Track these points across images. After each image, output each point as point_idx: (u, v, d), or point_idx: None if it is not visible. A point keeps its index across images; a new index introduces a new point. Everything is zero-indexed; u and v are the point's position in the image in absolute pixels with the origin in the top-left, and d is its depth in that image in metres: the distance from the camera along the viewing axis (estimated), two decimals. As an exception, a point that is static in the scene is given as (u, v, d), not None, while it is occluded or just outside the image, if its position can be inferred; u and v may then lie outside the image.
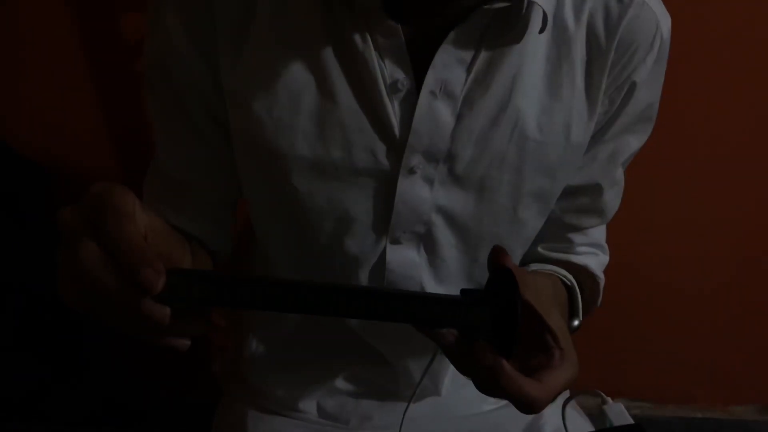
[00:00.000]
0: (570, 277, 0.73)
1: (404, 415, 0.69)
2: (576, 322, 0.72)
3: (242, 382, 0.84)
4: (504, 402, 0.82)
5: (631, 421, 0.49)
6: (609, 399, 0.51)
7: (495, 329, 0.50)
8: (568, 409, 0.81)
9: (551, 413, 0.80)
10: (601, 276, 0.81)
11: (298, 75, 0.61)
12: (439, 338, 0.52)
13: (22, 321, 1.25)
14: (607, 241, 0.82)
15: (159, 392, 1.31)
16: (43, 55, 1.19)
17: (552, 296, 0.68)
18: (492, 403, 0.83)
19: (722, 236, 1.43)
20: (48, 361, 1.29)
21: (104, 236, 0.40)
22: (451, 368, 0.79)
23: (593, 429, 0.70)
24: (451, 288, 0.73)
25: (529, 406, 0.50)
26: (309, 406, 0.80)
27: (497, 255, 0.55)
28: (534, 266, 0.76)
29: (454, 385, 0.80)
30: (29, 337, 1.28)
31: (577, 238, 0.78)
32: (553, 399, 0.51)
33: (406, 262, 0.70)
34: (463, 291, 0.53)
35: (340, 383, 0.80)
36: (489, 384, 0.51)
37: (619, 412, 0.50)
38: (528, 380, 0.50)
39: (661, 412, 1.59)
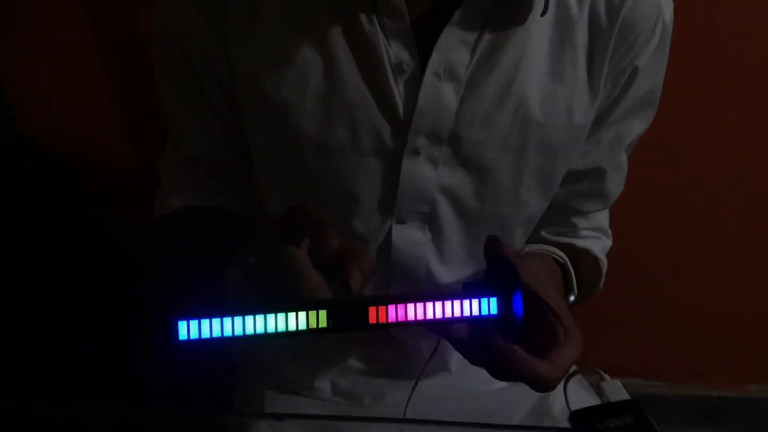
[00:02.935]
0: (561, 254, 0.75)
1: (412, 391, 0.71)
2: (572, 298, 0.73)
3: (259, 364, 0.86)
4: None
5: (628, 397, 0.51)
6: (606, 376, 0.53)
7: (503, 317, 0.52)
8: (575, 386, 0.83)
9: (559, 391, 0.81)
10: (604, 260, 0.82)
11: (306, 55, 0.63)
12: (452, 334, 0.54)
13: (44, 309, 1.28)
14: (618, 220, 0.83)
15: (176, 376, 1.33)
16: (61, 50, 1.23)
17: (549, 276, 0.69)
18: (501, 382, 0.84)
19: (736, 214, 1.43)
20: (69, 345, 1.32)
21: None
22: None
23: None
24: (454, 269, 0.75)
25: (544, 385, 0.52)
26: (323, 384, 0.82)
27: (493, 244, 0.57)
28: (527, 248, 0.77)
29: (464, 363, 0.81)
30: (52, 324, 1.31)
31: (580, 222, 0.80)
32: (564, 375, 0.53)
33: (412, 241, 0.71)
34: (465, 285, 0.56)
35: (353, 362, 0.82)
36: (503, 369, 0.53)
37: (616, 388, 0.52)
38: (539, 361, 0.52)
39: (675, 391, 1.59)
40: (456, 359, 0.82)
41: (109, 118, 1.29)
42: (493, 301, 0.52)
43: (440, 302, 0.51)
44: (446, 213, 0.70)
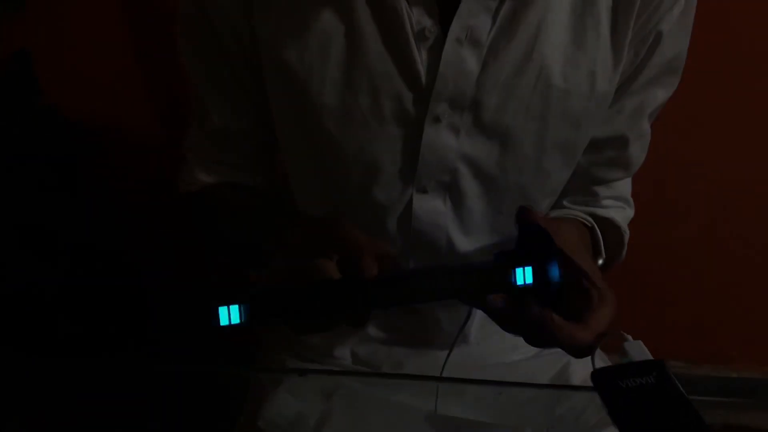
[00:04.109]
0: (588, 217, 0.75)
1: (449, 353, 0.73)
2: (600, 261, 0.73)
3: (279, 333, 0.87)
4: (533, 352, 0.85)
5: (651, 357, 0.51)
6: (629, 337, 0.53)
7: (538, 285, 0.53)
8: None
9: (577, 362, 0.82)
10: (626, 229, 0.82)
11: (328, 23, 0.63)
12: (489, 304, 0.55)
13: (74, 278, 1.30)
14: (643, 194, 0.83)
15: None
16: (88, 22, 1.24)
17: (579, 240, 0.69)
18: (521, 353, 0.85)
19: (759, 190, 1.41)
20: (102, 315, 1.34)
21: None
22: (478, 317, 0.81)
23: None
24: (475, 239, 0.75)
25: (581, 350, 0.53)
26: (343, 353, 0.83)
27: (525, 214, 0.58)
28: (554, 213, 0.77)
29: (483, 334, 0.82)
30: (81, 295, 1.33)
31: (602, 191, 0.79)
32: (601, 338, 0.53)
33: (432, 211, 0.71)
34: (497, 254, 0.56)
35: (373, 331, 0.83)
36: (540, 336, 0.54)
37: (639, 348, 0.52)
38: (577, 326, 0.53)
39: (696, 372, 1.59)
40: (475, 331, 0.83)
41: (135, 91, 1.30)
42: (528, 269, 0.53)
43: (477, 273, 0.52)
44: (467, 182, 0.70)
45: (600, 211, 0.79)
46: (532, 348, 0.85)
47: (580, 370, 0.81)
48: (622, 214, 0.81)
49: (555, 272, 0.52)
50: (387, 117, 0.66)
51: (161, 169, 1.34)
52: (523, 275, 0.52)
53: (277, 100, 0.70)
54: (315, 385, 0.79)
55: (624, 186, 0.82)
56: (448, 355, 0.73)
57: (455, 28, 0.62)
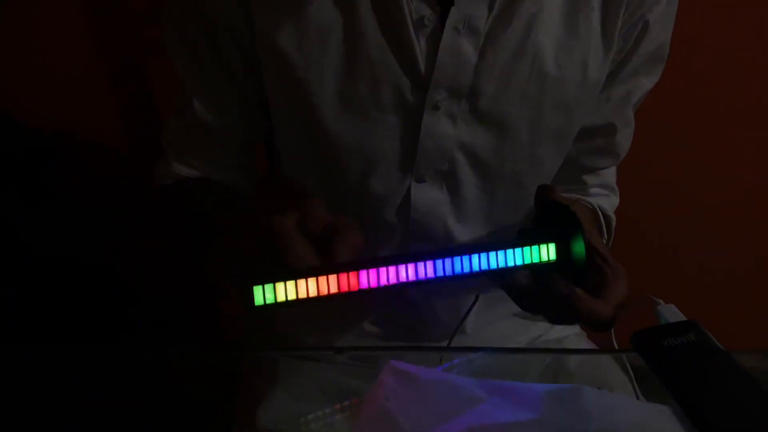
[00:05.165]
0: (590, 200, 0.76)
1: (455, 331, 0.74)
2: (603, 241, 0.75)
3: (271, 332, 0.86)
4: (526, 342, 0.86)
5: (685, 318, 0.53)
6: (660, 301, 0.54)
7: (561, 262, 0.54)
8: (579, 339, 0.85)
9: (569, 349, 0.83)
10: (613, 216, 0.83)
11: (327, 12, 0.63)
12: (513, 282, 0.55)
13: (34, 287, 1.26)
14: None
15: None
16: (49, 25, 1.19)
17: (589, 219, 0.71)
18: (515, 343, 0.86)
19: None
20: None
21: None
22: (476, 309, 0.81)
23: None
24: (471, 228, 0.75)
25: (604, 324, 0.54)
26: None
27: (546, 191, 0.59)
28: None
29: (479, 324, 0.83)
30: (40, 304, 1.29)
31: (590, 179, 0.81)
32: (618, 312, 0.55)
33: (431, 200, 0.72)
34: (519, 232, 0.57)
35: (369, 326, 0.82)
36: (564, 312, 0.54)
37: (672, 311, 0.53)
38: (599, 301, 0.54)
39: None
40: (471, 323, 0.83)
41: (97, 98, 1.27)
42: (552, 246, 0.53)
43: (503, 251, 0.52)
44: (465, 171, 0.71)
45: (588, 199, 0.81)
46: (526, 338, 0.87)
47: (574, 357, 0.82)
48: (608, 201, 0.83)
49: (581, 248, 0.52)
50: (386, 106, 0.66)
51: (122, 180, 1.32)
52: (547, 252, 0.53)
53: (275, 91, 0.69)
54: (313, 384, 0.78)
55: (610, 174, 0.84)
56: (449, 342, 0.73)
57: (453, 17, 0.63)
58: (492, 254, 0.52)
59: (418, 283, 0.50)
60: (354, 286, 0.49)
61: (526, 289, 0.55)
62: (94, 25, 1.20)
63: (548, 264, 0.53)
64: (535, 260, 0.53)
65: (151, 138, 1.28)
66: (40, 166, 1.31)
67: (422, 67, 0.64)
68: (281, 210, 0.50)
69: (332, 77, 0.65)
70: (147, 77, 1.24)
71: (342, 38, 0.64)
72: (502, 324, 0.85)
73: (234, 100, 0.73)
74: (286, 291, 0.47)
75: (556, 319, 0.57)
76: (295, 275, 0.47)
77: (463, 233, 0.74)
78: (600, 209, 0.81)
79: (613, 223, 0.83)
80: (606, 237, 0.80)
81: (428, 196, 0.71)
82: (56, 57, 1.22)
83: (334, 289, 0.49)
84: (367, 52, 0.64)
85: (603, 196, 0.83)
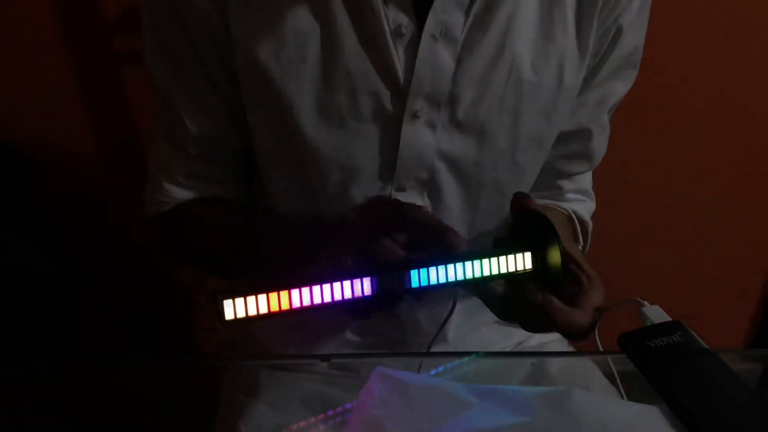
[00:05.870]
0: (565, 206, 0.77)
1: (436, 334, 0.73)
2: (579, 247, 0.75)
3: (251, 343, 0.85)
4: (508, 349, 0.86)
5: (670, 319, 0.53)
6: (645, 302, 0.55)
7: (537, 271, 0.54)
8: (560, 344, 0.86)
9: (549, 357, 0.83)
10: (589, 222, 0.84)
11: (304, 22, 0.63)
12: (488, 291, 0.55)
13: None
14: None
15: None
16: (18, 34, 1.17)
17: (564, 227, 0.71)
18: (499, 350, 0.86)
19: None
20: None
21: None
22: (457, 317, 0.81)
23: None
24: None
25: (580, 333, 0.54)
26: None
27: (522, 200, 0.59)
28: None
29: (461, 332, 0.83)
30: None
31: (566, 184, 0.82)
32: (594, 321, 0.55)
33: None
34: (495, 241, 0.57)
35: (350, 336, 0.82)
36: (540, 321, 0.55)
37: (657, 312, 0.54)
38: (575, 310, 0.54)
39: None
40: (453, 331, 0.83)
41: (69, 107, 1.24)
42: (528, 255, 0.53)
43: (479, 261, 0.52)
44: (445, 180, 0.71)
45: (564, 205, 0.81)
46: (508, 344, 0.87)
47: (556, 362, 0.83)
48: (584, 207, 0.84)
49: (557, 257, 0.53)
50: (365, 115, 0.66)
51: (95, 193, 1.30)
52: (523, 261, 0.53)
53: (253, 101, 0.68)
54: (294, 395, 0.77)
55: (586, 179, 0.84)
56: (428, 349, 0.73)
57: (430, 25, 0.63)
58: (468, 264, 0.52)
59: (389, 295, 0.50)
60: (328, 299, 0.48)
61: (503, 298, 0.56)
62: (65, 35, 1.18)
63: (524, 273, 0.53)
64: (511, 270, 0.53)
65: (123, 151, 1.28)
66: (8, 179, 1.29)
67: (401, 75, 0.64)
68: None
69: (310, 87, 0.64)
70: (119, 88, 1.22)
71: (320, 48, 0.63)
72: (484, 331, 0.85)
73: (222, 109, 0.71)
74: (257, 304, 0.47)
75: (532, 327, 0.57)
76: (266, 289, 0.47)
77: None
78: (576, 215, 0.82)
79: (590, 229, 0.84)
80: (582, 243, 0.80)
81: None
82: (25, 68, 1.20)
83: (306, 302, 0.49)
84: (345, 61, 0.63)
85: (579, 201, 0.83)
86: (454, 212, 0.73)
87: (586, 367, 0.79)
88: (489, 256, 0.54)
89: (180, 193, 0.75)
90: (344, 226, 0.57)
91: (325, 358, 0.77)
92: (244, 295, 0.47)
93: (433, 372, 0.78)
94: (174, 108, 0.71)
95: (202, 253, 0.78)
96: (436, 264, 0.52)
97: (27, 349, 1.24)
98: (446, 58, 0.64)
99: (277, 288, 0.48)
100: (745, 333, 1.66)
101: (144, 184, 0.79)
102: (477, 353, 0.73)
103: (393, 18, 0.63)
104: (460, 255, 0.53)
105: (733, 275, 1.57)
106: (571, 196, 0.83)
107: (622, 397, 0.61)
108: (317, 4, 0.62)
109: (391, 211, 0.55)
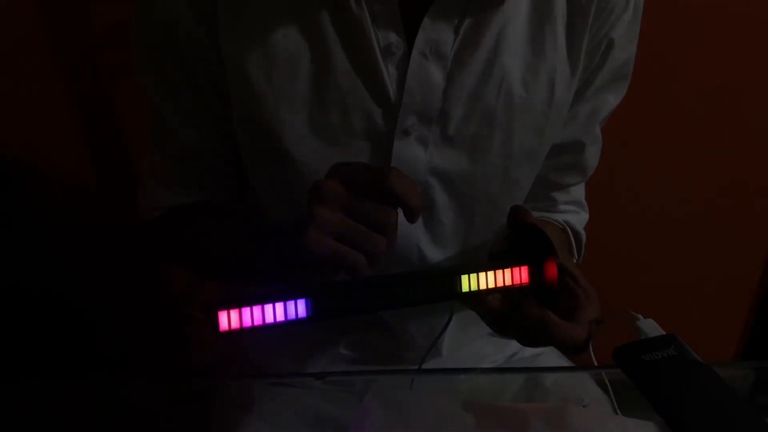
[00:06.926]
0: (559, 219, 0.77)
1: (429, 349, 0.73)
2: (573, 261, 0.75)
3: (245, 358, 0.85)
4: (501, 361, 0.86)
5: (664, 332, 0.53)
6: (640, 315, 0.55)
7: (534, 285, 0.54)
8: (554, 356, 0.86)
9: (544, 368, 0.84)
10: (583, 233, 0.84)
11: (294, 42, 0.63)
12: (485, 305, 0.55)
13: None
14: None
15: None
16: (7, 47, 1.16)
17: (560, 241, 0.71)
18: (491, 363, 0.86)
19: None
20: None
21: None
22: (450, 330, 0.81)
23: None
24: (447, 250, 0.75)
25: (578, 346, 0.54)
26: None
27: (519, 213, 0.59)
28: None
29: (454, 346, 0.83)
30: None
31: (559, 196, 0.82)
32: (589, 334, 0.55)
33: (404, 225, 0.71)
34: (491, 254, 0.57)
35: (343, 350, 0.81)
36: (537, 335, 0.55)
37: (651, 326, 0.54)
38: (572, 324, 0.54)
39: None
40: (447, 344, 0.83)
41: (60, 121, 1.24)
42: (524, 269, 0.53)
43: (475, 274, 0.52)
44: (439, 195, 0.71)
45: (558, 216, 0.82)
46: (502, 356, 0.87)
47: (549, 375, 0.83)
48: (577, 218, 0.84)
49: (552, 271, 0.53)
50: (357, 133, 0.66)
51: (86, 202, 1.30)
52: (520, 275, 0.53)
53: (244, 119, 0.68)
54: (288, 410, 0.77)
55: (579, 190, 0.85)
56: (420, 365, 0.73)
57: (419, 42, 0.63)
58: (464, 277, 0.52)
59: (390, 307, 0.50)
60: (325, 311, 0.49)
61: (499, 311, 0.55)
62: (55, 49, 1.17)
63: (521, 287, 0.54)
64: (508, 283, 0.53)
65: (114, 166, 1.27)
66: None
67: (391, 93, 0.65)
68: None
69: (302, 106, 0.64)
70: (110, 101, 1.22)
71: (310, 66, 0.63)
72: (478, 343, 0.85)
73: (213, 123, 0.71)
74: (252, 315, 0.47)
75: (528, 341, 0.57)
76: (260, 300, 0.47)
77: (437, 255, 0.74)
78: (569, 226, 0.82)
79: (584, 240, 0.84)
80: (576, 254, 0.80)
81: (401, 221, 0.71)
82: (16, 81, 1.19)
83: (302, 314, 0.49)
84: (337, 80, 0.64)
85: (573, 212, 0.84)
86: (448, 226, 0.73)
87: (581, 379, 0.79)
88: (486, 270, 0.54)
89: (174, 199, 0.75)
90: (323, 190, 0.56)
91: (320, 376, 0.76)
92: (239, 306, 0.47)
93: (427, 387, 0.79)
94: (163, 121, 0.71)
95: (196, 254, 0.77)
96: (433, 277, 0.51)
97: (18, 365, 1.23)
98: (436, 75, 0.65)
99: (272, 300, 0.48)
100: (738, 345, 1.67)
101: (135, 193, 0.79)
102: (472, 369, 0.73)
103: (383, 36, 0.63)
104: (457, 268, 0.53)
105: (726, 287, 1.58)
106: (564, 207, 0.83)
107: (616, 411, 0.61)
108: (307, 23, 0.63)
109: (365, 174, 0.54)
